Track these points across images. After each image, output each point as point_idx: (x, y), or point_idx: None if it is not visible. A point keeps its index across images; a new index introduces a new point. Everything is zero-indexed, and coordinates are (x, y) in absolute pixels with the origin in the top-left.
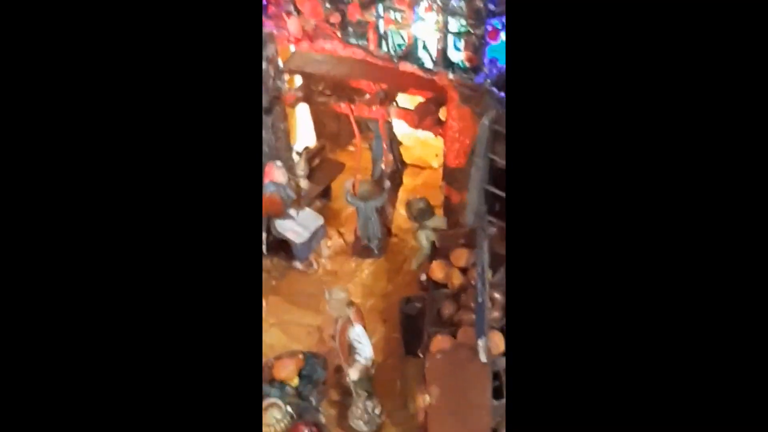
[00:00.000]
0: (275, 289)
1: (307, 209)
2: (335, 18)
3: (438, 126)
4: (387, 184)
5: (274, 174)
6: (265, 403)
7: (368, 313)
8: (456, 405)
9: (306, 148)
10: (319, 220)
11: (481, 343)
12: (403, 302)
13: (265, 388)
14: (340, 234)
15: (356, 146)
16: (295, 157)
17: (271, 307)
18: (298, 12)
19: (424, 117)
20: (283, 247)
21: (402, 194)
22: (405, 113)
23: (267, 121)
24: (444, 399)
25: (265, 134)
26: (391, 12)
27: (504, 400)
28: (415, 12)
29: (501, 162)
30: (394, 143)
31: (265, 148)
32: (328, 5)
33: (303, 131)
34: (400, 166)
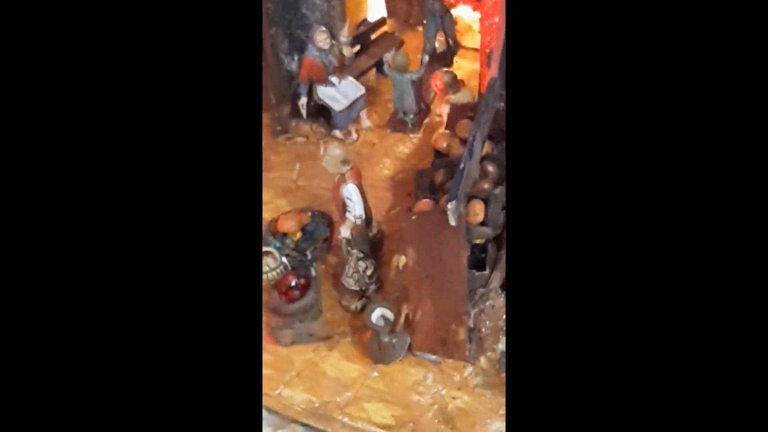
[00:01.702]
0: (312, 153)
1: (350, 78)
2: None
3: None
4: (425, 58)
5: (318, 38)
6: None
7: (396, 185)
8: (432, 268)
9: (364, 20)
10: (360, 90)
11: (450, 206)
12: (417, 174)
13: (267, 238)
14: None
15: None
16: (334, 21)
17: (302, 170)
18: None
19: None
20: (323, 113)
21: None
22: None
23: None
24: (420, 261)
25: (322, 2)
26: None
27: (487, 272)
28: None
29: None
30: (449, 21)
31: (316, 14)
32: None
33: (375, 4)
34: (453, 45)
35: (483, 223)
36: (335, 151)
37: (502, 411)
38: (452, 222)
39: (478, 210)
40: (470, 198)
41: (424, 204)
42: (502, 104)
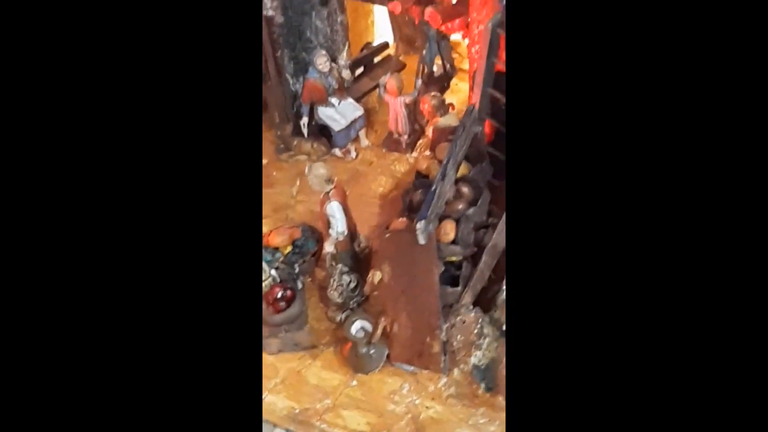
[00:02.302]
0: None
1: (349, 99)
2: None
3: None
4: (419, 82)
5: (318, 62)
6: None
7: (388, 203)
8: (406, 284)
9: (368, 44)
10: (359, 111)
11: (419, 226)
12: (403, 194)
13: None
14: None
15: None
16: (336, 46)
17: (302, 187)
18: None
19: (454, 17)
20: (323, 132)
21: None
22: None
23: (322, 11)
24: (395, 277)
25: (320, 24)
26: None
27: (459, 288)
28: None
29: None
30: (445, 47)
31: (320, 38)
32: None
33: (381, 30)
34: (450, 69)
35: (454, 242)
36: (320, 170)
37: (472, 421)
38: (421, 241)
39: (449, 230)
40: (442, 218)
41: (400, 223)
42: (480, 128)
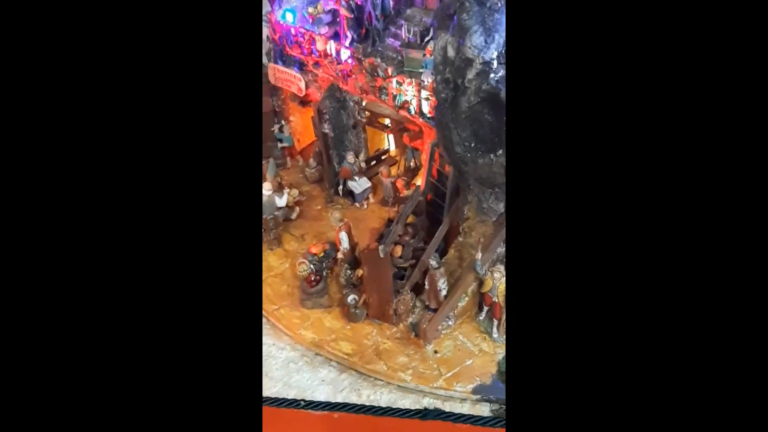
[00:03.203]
0: (343, 214)
1: (364, 177)
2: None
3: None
4: (400, 170)
5: (348, 157)
6: (298, 262)
7: (372, 234)
8: (375, 276)
9: (379, 149)
10: (368, 184)
11: (381, 248)
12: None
13: (306, 254)
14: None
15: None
16: (359, 149)
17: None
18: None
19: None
20: (349, 195)
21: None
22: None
23: (353, 131)
24: (369, 273)
25: (352, 137)
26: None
27: (404, 281)
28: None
29: (435, 165)
30: (416, 153)
31: (352, 144)
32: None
33: (389, 144)
34: (417, 164)
35: (400, 257)
36: (335, 214)
37: (406, 352)
38: (381, 255)
39: (398, 250)
40: (396, 243)
41: (373, 245)
42: (420, 198)
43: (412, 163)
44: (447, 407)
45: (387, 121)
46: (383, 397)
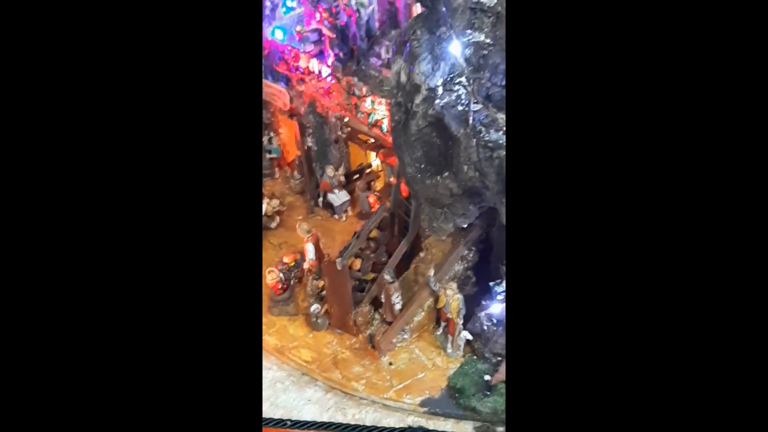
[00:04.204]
0: (322, 225)
1: (344, 191)
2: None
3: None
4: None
5: (327, 171)
6: (267, 270)
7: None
8: (336, 288)
9: (360, 164)
10: (347, 197)
11: (338, 260)
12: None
13: (279, 264)
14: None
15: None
16: (340, 164)
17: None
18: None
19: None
20: (329, 207)
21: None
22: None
23: (335, 145)
24: (331, 284)
25: (334, 151)
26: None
27: (364, 293)
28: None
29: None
30: (394, 169)
31: (333, 159)
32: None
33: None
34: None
35: (359, 270)
36: (303, 226)
37: (362, 362)
38: (338, 267)
39: (357, 263)
40: (356, 256)
41: (334, 257)
42: (386, 214)
43: (391, 180)
44: (431, 425)
45: (372, 139)
46: (368, 416)
